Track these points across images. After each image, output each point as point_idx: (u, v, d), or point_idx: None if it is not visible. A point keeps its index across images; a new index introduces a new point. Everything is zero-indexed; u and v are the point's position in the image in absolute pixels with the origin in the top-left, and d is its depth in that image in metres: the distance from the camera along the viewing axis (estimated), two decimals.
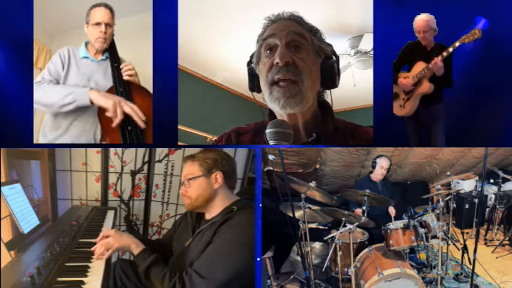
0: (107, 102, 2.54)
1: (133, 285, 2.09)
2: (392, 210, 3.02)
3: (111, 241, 1.90)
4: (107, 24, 2.66)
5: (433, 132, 3.02)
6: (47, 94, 2.65)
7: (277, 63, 1.64)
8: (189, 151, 3.23)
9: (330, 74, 1.75)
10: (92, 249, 1.93)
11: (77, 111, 2.65)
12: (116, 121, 2.55)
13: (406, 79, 3.01)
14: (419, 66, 2.95)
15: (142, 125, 2.60)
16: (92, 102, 2.57)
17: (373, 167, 3.14)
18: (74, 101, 2.58)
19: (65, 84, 2.69)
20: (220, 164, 2.00)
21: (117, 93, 2.65)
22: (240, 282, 1.76)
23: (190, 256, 1.88)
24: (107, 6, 2.66)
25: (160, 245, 2.24)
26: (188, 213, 2.09)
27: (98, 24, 2.64)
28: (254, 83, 1.83)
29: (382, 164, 3.10)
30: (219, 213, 1.94)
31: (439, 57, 2.85)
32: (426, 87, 2.94)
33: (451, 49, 2.83)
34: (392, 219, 2.94)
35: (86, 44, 2.75)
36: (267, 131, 1.60)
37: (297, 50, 1.67)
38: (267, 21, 1.75)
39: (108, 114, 2.55)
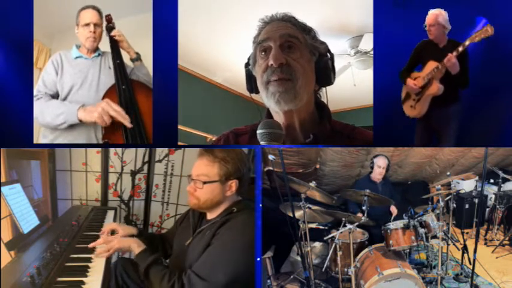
0: (92, 116, 2.63)
1: (134, 284, 2.09)
2: (394, 209, 3.02)
3: (113, 241, 1.92)
4: (95, 25, 2.77)
5: (444, 134, 2.86)
6: (42, 112, 2.73)
7: (272, 64, 1.66)
8: (189, 151, 3.24)
9: (324, 71, 1.77)
10: (92, 245, 1.96)
11: None
12: (108, 123, 2.63)
13: (415, 80, 2.87)
14: (431, 66, 2.79)
15: (128, 125, 2.65)
16: (81, 121, 2.66)
17: (371, 167, 3.13)
18: (65, 122, 2.68)
19: (57, 100, 2.76)
20: (240, 172, 1.91)
21: (119, 90, 2.71)
22: (239, 284, 1.75)
23: (190, 256, 1.87)
24: (94, 8, 2.78)
25: (163, 240, 2.26)
26: (191, 211, 2.07)
27: (87, 24, 2.76)
28: (252, 84, 1.85)
29: (380, 164, 3.08)
30: (220, 214, 1.92)
31: (454, 53, 2.65)
32: (435, 88, 2.76)
33: (461, 48, 2.65)
34: (393, 218, 2.94)
35: (78, 47, 2.83)
36: (258, 131, 1.60)
37: (291, 50, 1.70)
38: (261, 23, 1.78)
39: (101, 125, 2.64)
